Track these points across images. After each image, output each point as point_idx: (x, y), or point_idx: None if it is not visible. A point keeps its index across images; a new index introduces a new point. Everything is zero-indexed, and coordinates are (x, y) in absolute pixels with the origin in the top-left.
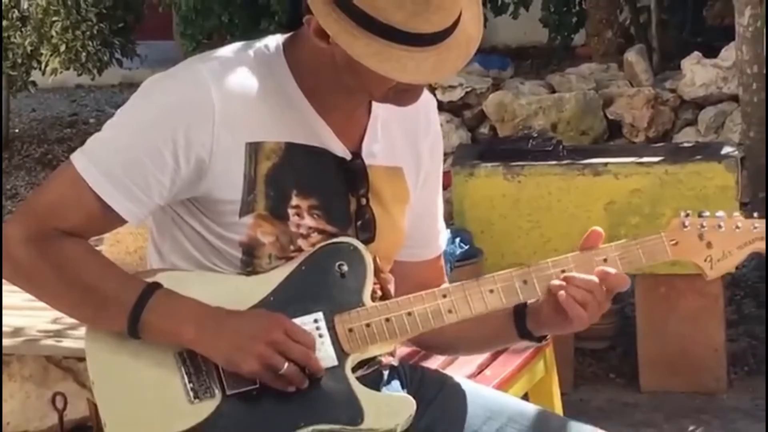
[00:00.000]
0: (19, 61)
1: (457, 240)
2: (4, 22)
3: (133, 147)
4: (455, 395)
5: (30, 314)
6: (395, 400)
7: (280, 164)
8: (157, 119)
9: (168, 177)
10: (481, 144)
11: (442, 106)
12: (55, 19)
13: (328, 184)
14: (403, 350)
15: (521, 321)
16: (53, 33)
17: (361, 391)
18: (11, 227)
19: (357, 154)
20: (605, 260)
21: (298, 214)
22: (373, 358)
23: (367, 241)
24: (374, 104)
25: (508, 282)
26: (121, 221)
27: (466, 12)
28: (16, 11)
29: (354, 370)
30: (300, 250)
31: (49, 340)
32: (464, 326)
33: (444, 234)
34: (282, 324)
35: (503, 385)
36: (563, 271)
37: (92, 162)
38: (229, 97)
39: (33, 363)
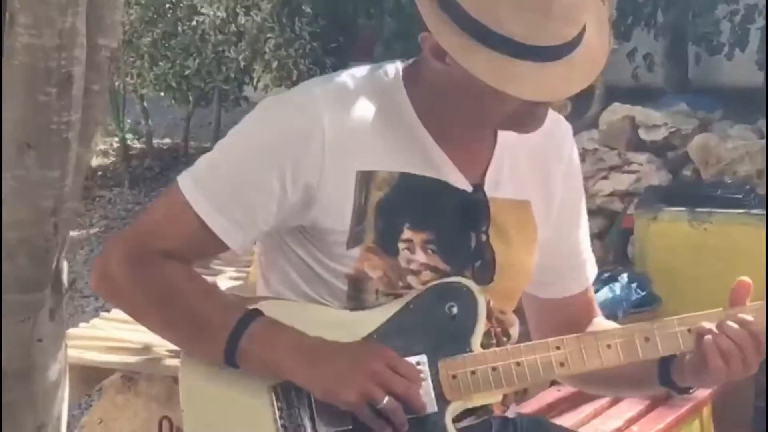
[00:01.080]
0: (232, 75)
1: (634, 285)
2: (220, 36)
3: (240, 171)
4: None
5: None
6: None
7: (393, 195)
8: (266, 143)
9: (274, 203)
10: (668, 187)
11: (644, 146)
12: (269, 35)
13: (445, 219)
14: (541, 401)
15: (665, 368)
16: (267, 49)
17: None
18: (114, 245)
19: (479, 186)
20: None
21: (409, 249)
22: (484, 408)
23: (485, 281)
24: (500, 134)
25: (629, 338)
26: (224, 246)
27: (592, 28)
28: (233, 26)
29: (461, 418)
30: (409, 287)
31: (177, 360)
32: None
33: (591, 267)
34: (385, 355)
35: None
36: (689, 331)
37: (197, 184)
38: (341, 123)
39: (160, 383)
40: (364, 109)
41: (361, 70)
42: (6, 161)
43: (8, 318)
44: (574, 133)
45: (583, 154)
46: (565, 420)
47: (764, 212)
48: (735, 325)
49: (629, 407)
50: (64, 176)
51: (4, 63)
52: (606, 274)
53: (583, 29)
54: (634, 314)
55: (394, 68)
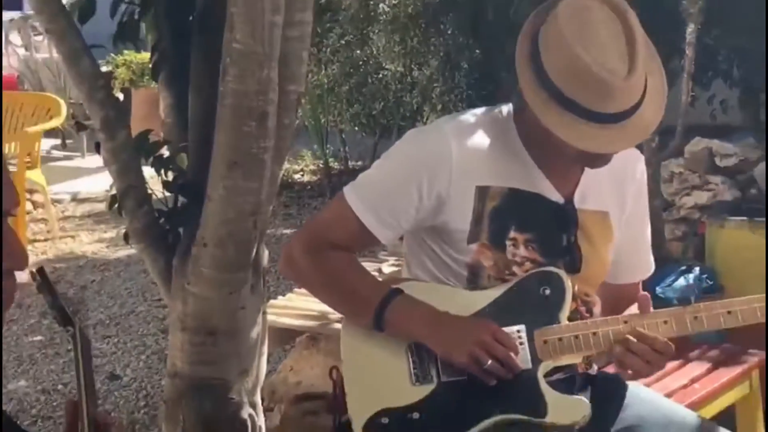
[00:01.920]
0: (408, 115)
1: (704, 276)
2: (398, 86)
3: (388, 184)
4: (640, 403)
5: None
6: (574, 401)
7: (503, 204)
8: (408, 164)
9: (413, 208)
10: (733, 202)
11: (719, 170)
12: (435, 85)
13: (543, 223)
14: None
15: None
16: (433, 96)
17: (548, 392)
18: (296, 238)
19: (569, 200)
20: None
21: (514, 245)
22: (569, 366)
23: (573, 271)
24: None
25: (681, 316)
26: (376, 240)
27: (652, 102)
28: (408, 78)
29: (551, 374)
30: (514, 274)
31: None
32: None
33: (649, 264)
34: (491, 329)
35: (708, 398)
36: (729, 312)
37: (357, 193)
38: (464, 149)
39: (335, 342)
40: (483, 139)
41: (482, 110)
42: (218, 174)
43: (219, 291)
44: (663, 159)
45: (671, 176)
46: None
47: None
48: (636, 341)
49: (693, 369)
50: (261, 187)
51: (218, 103)
52: (683, 267)
53: (640, 101)
54: (703, 299)
55: (507, 108)
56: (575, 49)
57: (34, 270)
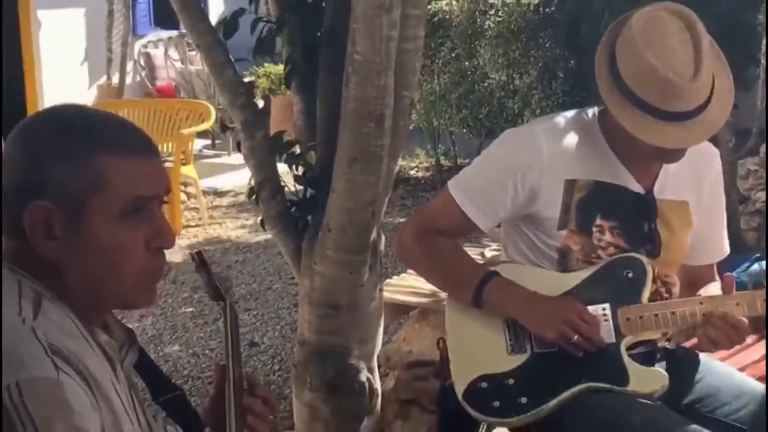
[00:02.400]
0: (510, 119)
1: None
2: (501, 93)
3: (487, 178)
4: (715, 375)
5: None
6: (653, 372)
7: (589, 195)
8: (505, 161)
9: (509, 199)
10: None
11: None
12: (534, 92)
13: (625, 212)
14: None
15: None
16: (533, 102)
17: (630, 363)
18: (407, 227)
19: (649, 190)
20: None
21: (600, 232)
22: (650, 341)
23: (653, 256)
24: None
25: (751, 299)
26: (477, 228)
27: (719, 103)
28: (510, 86)
29: (634, 347)
30: (599, 258)
31: None
32: None
33: (723, 249)
34: (577, 308)
35: None
36: None
37: (459, 186)
38: (554, 147)
39: (443, 316)
40: (571, 138)
41: (571, 112)
42: (341, 169)
43: (342, 270)
44: (740, 158)
45: (747, 174)
46: (719, 353)
47: None
48: (718, 320)
49: (765, 346)
50: (378, 180)
51: (342, 108)
52: (757, 255)
53: (707, 102)
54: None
55: (593, 111)
56: (645, 54)
57: (193, 253)
